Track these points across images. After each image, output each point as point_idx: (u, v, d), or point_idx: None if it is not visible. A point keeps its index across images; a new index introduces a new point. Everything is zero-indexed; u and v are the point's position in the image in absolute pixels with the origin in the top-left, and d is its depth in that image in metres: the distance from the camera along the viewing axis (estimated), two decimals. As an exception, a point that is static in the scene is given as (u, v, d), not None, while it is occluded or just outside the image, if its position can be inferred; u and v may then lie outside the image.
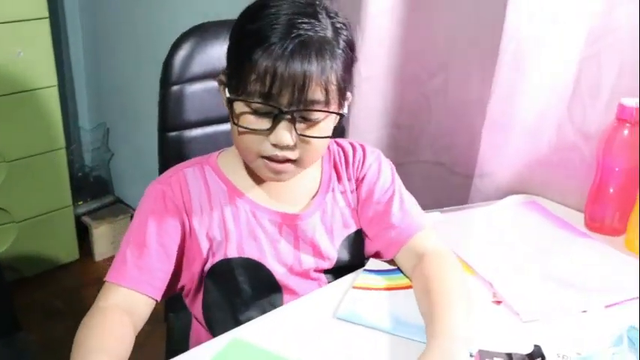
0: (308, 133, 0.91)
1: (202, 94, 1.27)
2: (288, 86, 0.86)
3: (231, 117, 0.93)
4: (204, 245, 0.99)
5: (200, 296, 1.05)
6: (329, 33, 0.89)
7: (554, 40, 1.20)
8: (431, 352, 0.82)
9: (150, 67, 1.56)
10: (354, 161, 1.07)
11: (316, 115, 0.90)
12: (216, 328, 1.02)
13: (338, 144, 1.09)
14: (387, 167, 1.08)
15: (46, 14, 2.12)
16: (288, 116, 0.88)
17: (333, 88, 0.89)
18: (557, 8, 1.17)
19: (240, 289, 1.02)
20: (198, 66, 1.28)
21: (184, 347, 0.99)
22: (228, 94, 0.92)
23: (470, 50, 1.36)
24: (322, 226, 1.04)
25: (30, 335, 1.38)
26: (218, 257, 1.00)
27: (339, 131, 1.08)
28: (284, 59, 0.85)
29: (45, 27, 2.12)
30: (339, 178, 1.06)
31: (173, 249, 0.98)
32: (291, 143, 0.90)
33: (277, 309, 0.98)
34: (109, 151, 2.66)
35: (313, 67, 0.86)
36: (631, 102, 1.12)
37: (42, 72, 2.15)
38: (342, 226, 1.05)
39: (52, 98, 2.20)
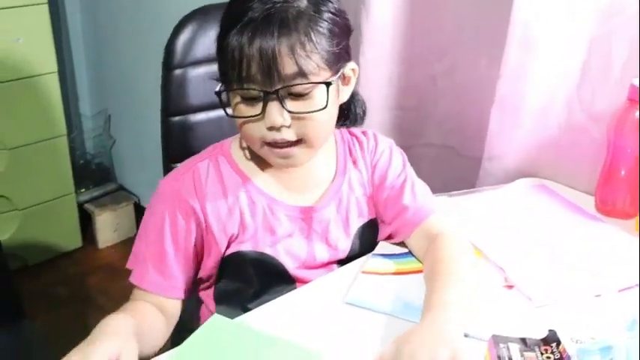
0: (300, 108, 0.89)
1: (205, 77, 1.25)
2: (257, 65, 0.85)
3: (224, 111, 0.92)
4: (222, 240, 0.98)
5: (212, 285, 1.04)
6: (303, 4, 0.87)
7: (564, 19, 1.17)
8: (422, 326, 0.81)
9: (151, 52, 1.54)
10: (368, 147, 1.06)
11: (302, 89, 0.88)
12: (226, 315, 1.01)
13: (351, 133, 1.08)
14: (399, 155, 1.08)
15: (45, 0, 2.09)
16: (274, 95, 0.87)
17: (314, 57, 0.86)
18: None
19: (253, 282, 1.01)
20: (200, 49, 1.25)
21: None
22: (217, 89, 0.92)
23: (478, 31, 1.34)
24: (338, 217, 1.03)
25: (34, 323, 1.37)
26: (231, 250, 0.99)
27: (353, 115, 1.05)
28: (247, 38, 0.84)
29: (44, 12, 2.10)
30: (354, 164, 1.05)
31: (190, 249, 0.98)
32: (285, 123, 0.89)
33: (286, 295, 0.97)
34: (111, 137, 2.64)
35: (275, 42, 0.84)
36: (643, 82, 1.10)
37: (42, 58, 2.13)
38: (357, 216, 1.04)
39: (52, 85, 2.17)
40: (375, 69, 1.43)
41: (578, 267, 1.01)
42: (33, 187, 2.23)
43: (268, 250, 1.00)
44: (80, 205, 2.47)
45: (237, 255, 0.99)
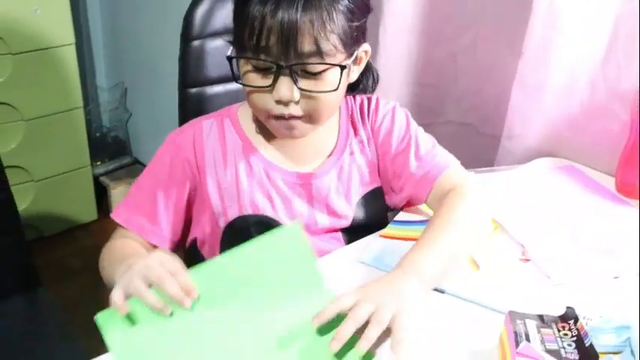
0: (311, 87, 0.89)
1: (224, 49, 1.22)
2: (276, 38, 0.84)
3: (233, 76, 0.92)
4: (215, 198, 1.00)
5: (217, 252, 1.04)
6: None
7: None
8: (384, 279, 0.84)
9: (169, 23, 1.53)
10: (368, 113, 1.05)
11: (316, 68, 0.88)
12: None
13: (354, 98, 1.06)
14: (402, 116, 1.05)
15: (62, -31, 2.08)
16: (287, 70, 0.86)
17: (332, 38, 0.86)
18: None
19: None
20: (219, 20, 1.24)
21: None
22: (228, 53, 0.91)
23: (501, 6, 1.31)
24: (339, 185, 1.02)
25: (48, 291, 1.39)
26: (232, 215, 1.00)
27: (363, 86, 1.04)
28: (269, 9, 0.83)
29: (61, -18, 2.09)
30: (355, 132, 1.04)
31: (182, 202, 1.01)
32: (294, 99, 0.89)
33: None
34: (127, 111, 2.64)
35: (298, 16, 0.83)
36: (670, 60, 1.07)
37: (59, 29, 2.12)
38: (359, 184, 1.04)
39: (69, 56, 2.17)
40: (395, 44, 1.41)
41: (598, 248, 0.99)
42: (49, 158, 2.24)
43: (270, 213, 1.00)
44: (96, 178, 2.48)
45: (240, 219, 1.00)
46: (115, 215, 1.01)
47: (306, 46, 0.85)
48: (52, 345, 1.22)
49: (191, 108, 1.28)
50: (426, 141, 1.04)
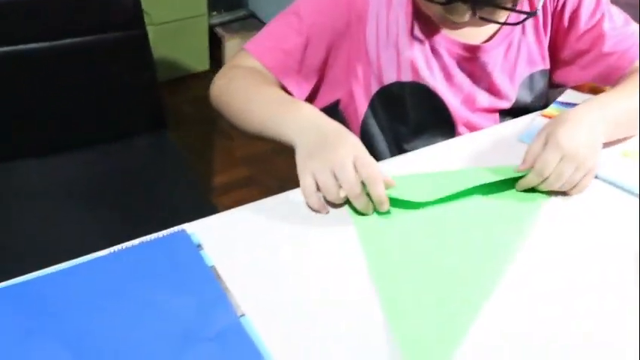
0: (490, 15, 0.81)
1: None
2: None
3: None
4: (372, 54, 0.91)
5: (357, 122, 0.97)
6: None
7: None
8: (580, 124, 0.78)
9: None
10: None
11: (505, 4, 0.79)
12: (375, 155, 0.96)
13: None
14: None
15: None
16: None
17: None
18: None
19: (408, 115, 0.95)
20: None
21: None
22: None
23: None
24: (504, 62, 0.94)
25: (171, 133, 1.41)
26: (389, 77, 0.92)
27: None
28: None
29: None
30: (531, 6, 0.92)
31: (323, 47, 0.90)
32: (466, 20, 0.81)
33: (452, 139, 0.91)
34: (248, -39, 2.55)
35: None
36: None
37: None
38: (525, 63, 0.96)
39: None
40: None
41: None
42: (168, 3, 2.21)
43: (428, 83, 0.92)
44: (211, 28, 2.45)
45: (397, 85, 0.92)
46: (255, 49, 0.90)
47: None
48: (173, 183, 1.24)
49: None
50: (618, 16, 0.94)
